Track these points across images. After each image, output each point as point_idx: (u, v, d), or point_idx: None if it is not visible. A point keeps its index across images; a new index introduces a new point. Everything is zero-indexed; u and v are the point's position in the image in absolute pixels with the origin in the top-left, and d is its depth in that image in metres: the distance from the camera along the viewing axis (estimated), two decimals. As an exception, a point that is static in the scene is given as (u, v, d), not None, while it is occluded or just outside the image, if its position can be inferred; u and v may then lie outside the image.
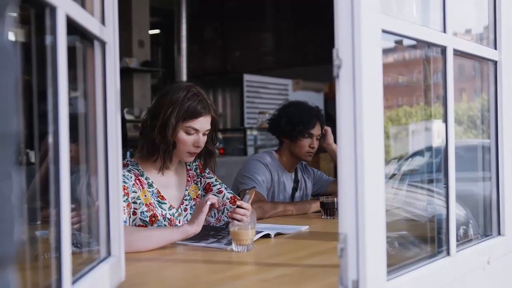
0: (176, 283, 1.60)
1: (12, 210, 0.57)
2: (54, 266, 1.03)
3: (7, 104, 0.56)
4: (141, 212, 2.18)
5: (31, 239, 1.61)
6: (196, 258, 1.83)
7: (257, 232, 2.07)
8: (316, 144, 3.05)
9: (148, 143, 2.23)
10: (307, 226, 2.41)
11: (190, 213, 2.34)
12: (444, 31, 1.53)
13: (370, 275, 1.17)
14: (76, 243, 1.37)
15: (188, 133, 2.22)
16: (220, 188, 2.43)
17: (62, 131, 1.02)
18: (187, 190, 2.38)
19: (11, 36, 0.59)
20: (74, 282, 1.10)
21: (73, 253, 1.11)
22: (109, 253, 1.39)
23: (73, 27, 1.13)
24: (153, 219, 2.20)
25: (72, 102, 1.13)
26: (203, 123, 2.24)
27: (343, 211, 1.19)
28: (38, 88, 1.09)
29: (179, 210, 2.32)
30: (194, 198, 2.39)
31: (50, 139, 1.02)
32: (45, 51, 1.04)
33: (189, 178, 2.41)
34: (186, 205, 2.35)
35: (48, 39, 1.03)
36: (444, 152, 1.55)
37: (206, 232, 2.14)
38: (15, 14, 0.62)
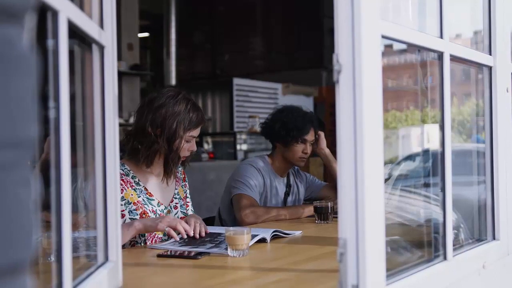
0: (172, 288, 1.60)
1: (29, 215, 0.57)
2: (54, 272, 1.02)
3: (28, 110, 0.56)
4: (129, 212, 2.24)
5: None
6: (193, 263, 1.83)
7: (253, 237, 2.07)
8: (309, 149, 3.05)
9: (153, 152, 2.29)
10: (301, 231, 2.41)
11: (181, 211, 2.45)
12: (441, 36, 1.53)
13: (370, 280, 1.17)
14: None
15: (187, 141, 2.34)
16: (188, 202, 2.54)
17: (63, 135, 1.01)
18: (176, 189, 2.47)
19: (31, 41, 0.59)
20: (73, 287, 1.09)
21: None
22: (106, 259, 1.38)
23: (73, 31, 1.13)
24: (144, 216, 2.26)
25: (69, 106, 1.12)
26: (199, 130, 2.39)
27: (343, 216, 1.19)
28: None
29: (169, 207, 2.40)
30: (183, 198, 2.49)
31: (52, 143, 1.01)
32: (45, 54, 1.03)
33: (177, 179, 2.51)
34: (176, 203, 2.45)
35: (49, 43, 1.02)
36: (440, 156, 1.56)
37: (202, 238, 2.14)
38: (34, 19, 0.61)
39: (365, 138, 1.17)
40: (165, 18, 8.75)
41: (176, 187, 2.48)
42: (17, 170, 0.56)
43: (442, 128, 1.54)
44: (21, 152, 0.57)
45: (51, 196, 1.02)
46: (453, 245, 1.62)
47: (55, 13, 1.00)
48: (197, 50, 10.63)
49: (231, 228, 1.98)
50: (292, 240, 2.28)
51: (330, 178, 3.36)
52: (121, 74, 7.56)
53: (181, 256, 1.91)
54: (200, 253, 1.91)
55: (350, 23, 1.18)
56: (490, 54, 1.83)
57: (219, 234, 2.22)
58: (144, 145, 2.28)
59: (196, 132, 2.36)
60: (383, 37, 1.26)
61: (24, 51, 0.57)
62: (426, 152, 1.97)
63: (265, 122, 3.18)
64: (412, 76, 1.94)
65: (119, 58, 7.57)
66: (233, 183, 2.97)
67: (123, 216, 2.20)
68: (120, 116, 7.00)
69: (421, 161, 2.15)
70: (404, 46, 1.59)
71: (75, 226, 1.60)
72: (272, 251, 2.08)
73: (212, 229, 2.33)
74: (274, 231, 2.23)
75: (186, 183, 2.56)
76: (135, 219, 2.22)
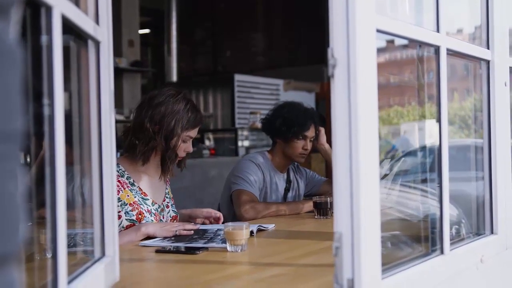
0: (170, 283, 1.60)
1: (17, 208, 0.58)
2: (49, 266, 1.03)
3: (13, 103, 0.57)
4: (125, 213, 2.26)
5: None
6: (190, 258, 1.83)
7: None
8: (309, 146, 3.05)
9: (150, 149, 2.31)
10: (274, 225, 2.44)
11: (173, 210, 2.49)
12: (438, 30, 1.53)
13: (365, 274, 1.18)
14: (69, 244, 1.37)
15: (184, 141, 2.35)
16: (168, 202, 2.52)
17: (57, 132, 1.01)
18: (167, 189, 2.51)
19: (16, 35, 0.59)
20: (69, 282, 1.10)
21: (67, 253, 1.10)
22: (103, 253, 1.39)
23: (67, 26, 1.13)
24: (140, 216, 2.29)
25: (65, 102, 1.12)
26: (197, 131, 2.41)
27: (338, 210, 1.19)
28: (30, 87, 1.08)
29: (162, 206, 2.43)
30: (171, 198, 2.53)
31: (46, 140, 1.01)
32: (40, 50, 1.03)
33: (167, 180, 2.53)
34: (168, 202, 2.48)
35: (43, 39, 1.02)
36: (437, 151, 1.56)
37: (191, 236, 2.14)
38: (20, 13, 0.62)
39: (360, 132, 1.17)
40: (166, 14, 8.75)
41: (167, 187, 2.52)
42: (5, 162, 0.56)
43: (438, 122, 1.54)
44: (9, 145, 0.57)
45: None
46: (454, 240, 1.62)
47: (48, 9, 1.00)
48: (198, 47, 10.63)
49: (229, 223, 1.99)
50: (291, 235, 2.28)
51: (330, 173, 3.35)
52: (121, 71, 7.57)
53: (179, 251, 1.91)
54: (199, 248, 1.91)
55: (345, 17, 1.18)
56: (488, 48, 1.83)
57: (206, 230, 2.26)
58: (142, 141, 2.30)
59: (193, 133, 2.37)
60: (379, 31, 1.26)
61: (10, 45, 0.57)
62: (426, 147, 1.97)
63: (265, 117, 3.18)
64: (414, 72, 1.94)
65: (120, 54, 7.58)
66: (233, 178, 2.97)
67: (119, 217, 2.22)
68: (121, 113, 7.00)
69: (421, 157, 2.15)
70: (406, 41, 1.58)
71: (74, 223, 1.61)
72: (270, 246, 2.09)
73: (202, 226, 2.35)
74: (258, 229, 2.27)
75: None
76: (132, 220, 2.24)
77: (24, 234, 0.59)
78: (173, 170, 2.47)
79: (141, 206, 2.30)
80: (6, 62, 0.56)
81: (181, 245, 1.99)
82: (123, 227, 2.23)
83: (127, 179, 2.32)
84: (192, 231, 2.19)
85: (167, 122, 2.29)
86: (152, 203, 2.36)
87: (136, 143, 2.30)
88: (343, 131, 1.18)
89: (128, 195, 2.29)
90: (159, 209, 2.39)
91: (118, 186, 2.25)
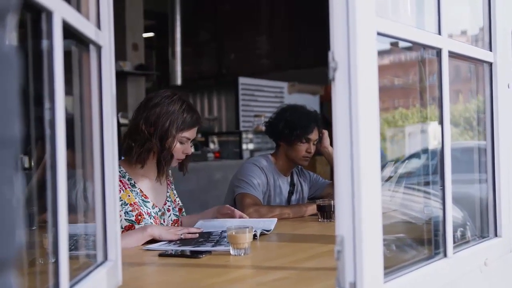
0: (173, 287, 1.60)
1: (13, 213, 0.58)
2: (51, 271, 1.03)
3: (10, 108, 0.57)
4: (125, 213, 2.26)
5: (27, 244, 1.60)
6: (193, 262, 1.83)
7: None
8: (313, 149, 3.05)
9: (145, 151, 2.30)
10: (275, 219, 2.45)
11: (174, 214, 2.48)
12: (439, 33, 1.53)
13: (367, 277, 1.17)
14: (72, 247, 1.37)
15: (181, 143, 2.35)
16: (170, 206, 2.51)
17: (59, 136, 1.01)
18: (168, 192, 2.50)
19: (13, 41, 0.60)
20: (71, 286, 1.10)
21: (70, 257, 1.10)
22: (106, 258, 1.39)
23: (69, 31, 1.13)
24: (139, 217, 2.29)
25: (67, 106, 1.13)
26: (195, 132, 2.40)
27: (339, 213, 1.19)
28: (32, 92, 1.09)
29: (162, 209, 2.43)
30: (173, 201, 2.52)
31: (47, 144, 1.01)
32: (41, 55, 1.04)
33: (169, 183, 2.53)
34: (169, 206, 2.48)
35: (44, 43, 1.02)
36: (440, 153, 1.55)
37: (196, 239, 2.14)
38: (16, 19, 0.62)
39: (361, 135, 1.17)
40: (170, 17, 8.76)
41: (168, 190, 2.51)
42: (2, 168, 0.56)
43: (441, 124, 1.54)
44: (6, 151, 0.57)
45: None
46: (458, 242, 1.61)
47: (49, 14, 1.01)
48: (202, 49, 10.63)
49: (233, 226, 1.98)
50: (294, 238, 2.28)
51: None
52: (126, 74, 7.57)
53: (182, 255, 1.91)
54: (202, 252, 1.91)
55: (345, 20, 1.18)
56: (491, 50, 1.83)
57: (211, 233, 2.25)
58: (137, 143, 2.30)
59: (190, 134, 2.36)
60: (379, 34, 1.26)
61: (6, 50, 0.57)
62: (431, 150, 1.96)
63: (269, 121, 3.18)
64: (418, 74, 1.94)
65: (124, 58, 7.58)
66: (237, 182, 2.97)
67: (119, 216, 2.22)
68: (125, 116, 7.00)
69: (426, 159, 2.14)
70: (409, 44, 1.58)
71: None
72: (274, 249, 2.08)
73: (206, 229, 2.34)
74: (261, 233, 2.26)
75: (173, 186, 2.59)
76: (131, 220, 2.24)
77: (22, 240, 0.59)
78: (168, 171, 2.47)
79: (141, 207, 2.30)
80: (3, 68, 0.56)
81: (187, 248, 1.99)
82: (122, 227, 2.23)
83: (128, 180, 2.33)
84: (197, 235, 2.19)
85: (161, 123, 2.28)
86: (152, 206, 2.36)
87: (133, 146, 2.30)
88: (344, 134, 1.18)
89: (129, 195, 2.29)
90: (159, 213, 2.39)
91: (119, 185, 2.25)
